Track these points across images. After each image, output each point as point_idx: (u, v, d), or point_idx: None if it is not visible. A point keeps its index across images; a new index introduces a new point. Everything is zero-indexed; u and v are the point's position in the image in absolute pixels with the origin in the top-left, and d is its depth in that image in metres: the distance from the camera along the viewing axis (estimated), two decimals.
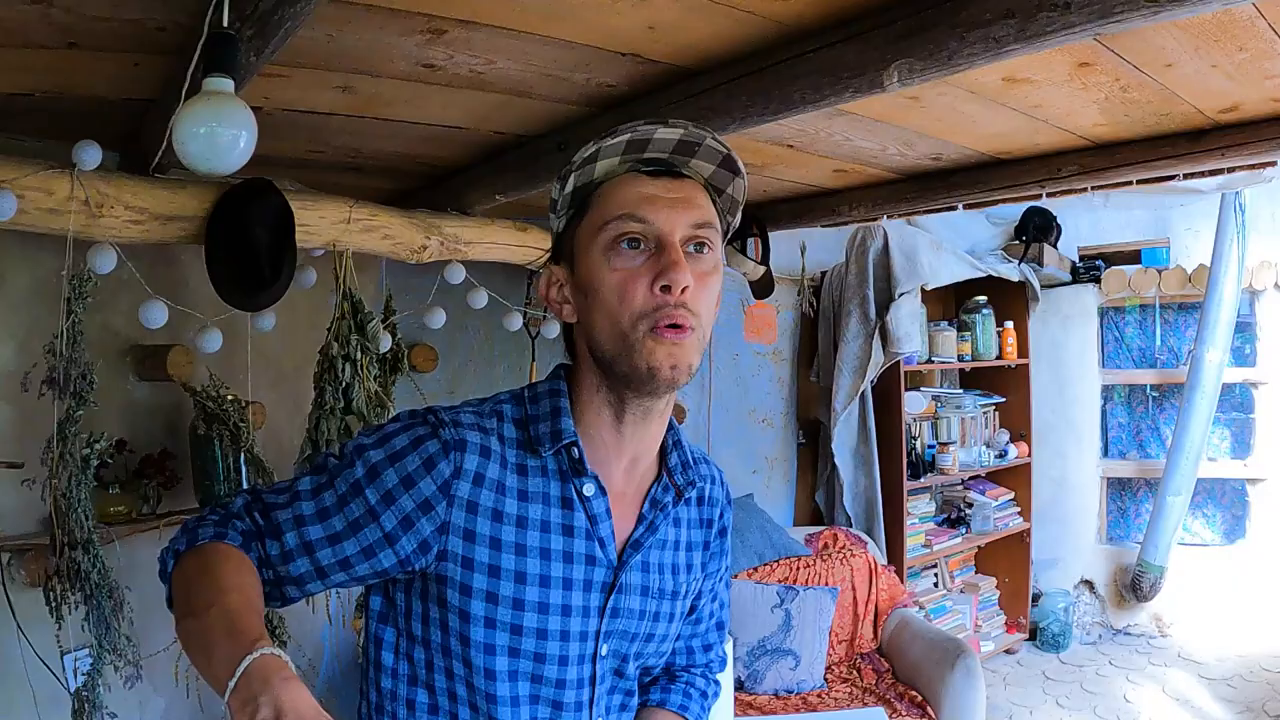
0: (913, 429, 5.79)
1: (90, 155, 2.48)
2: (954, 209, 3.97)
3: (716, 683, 1.71)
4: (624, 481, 1.37)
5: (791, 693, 4.28)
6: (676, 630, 1.50)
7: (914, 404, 5.67)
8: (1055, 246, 6.33)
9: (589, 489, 1.31)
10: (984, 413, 6.39)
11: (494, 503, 1.26)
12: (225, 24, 1.77)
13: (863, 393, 5.35)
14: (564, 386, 1.34)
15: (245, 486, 1.33)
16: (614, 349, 1.24)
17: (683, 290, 1.21)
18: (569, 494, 1.30)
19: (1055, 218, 6.22)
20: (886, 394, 5.51)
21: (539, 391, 1.35)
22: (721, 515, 1.55)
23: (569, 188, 1.28)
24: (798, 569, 4.67)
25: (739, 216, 1.38)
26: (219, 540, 1.25)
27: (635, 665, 1.44)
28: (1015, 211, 6.19)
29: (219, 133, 1.84)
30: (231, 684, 1.01)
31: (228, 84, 1.82)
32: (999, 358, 6.24)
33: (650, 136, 1.23)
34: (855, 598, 4.72)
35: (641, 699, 1.57)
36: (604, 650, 1.35)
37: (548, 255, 1.40)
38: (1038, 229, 6.16)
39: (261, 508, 1.30)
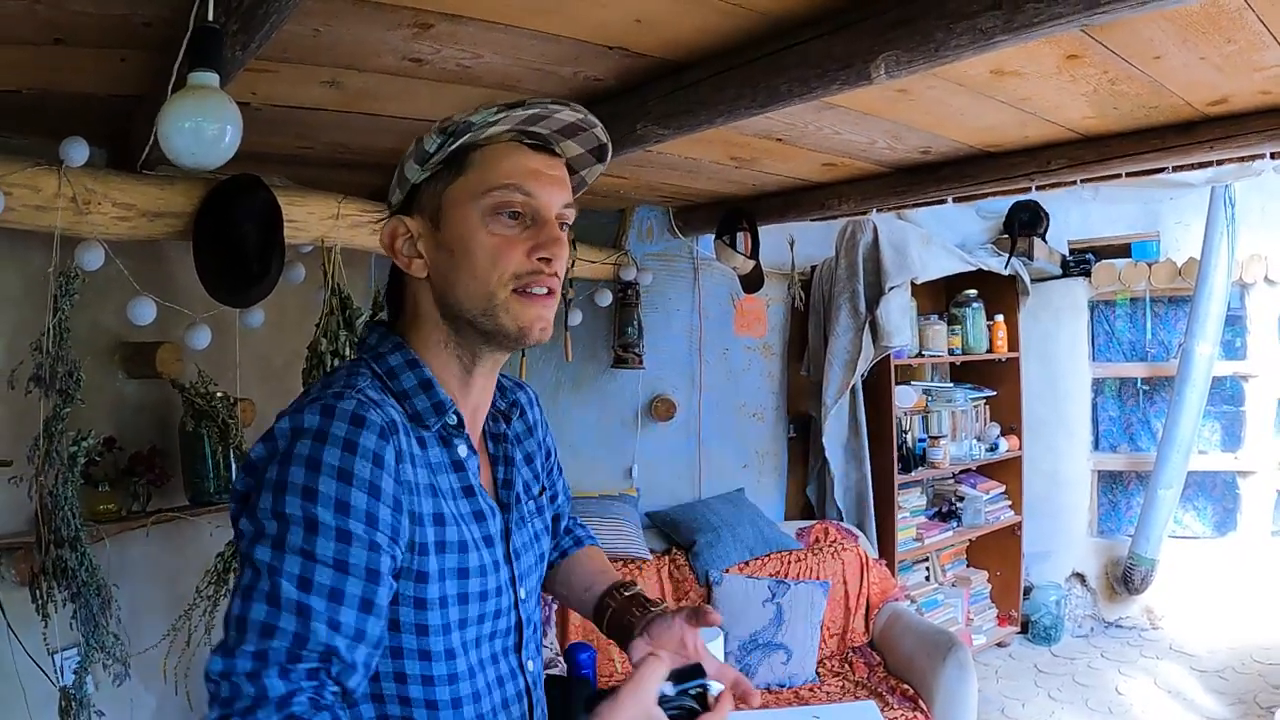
0: (903, 422, 5.78)
1: (78, 152, 2.47)
2: (943, 202, 3.98)
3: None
4: (472, 431, 1.39)
5: (784, 687, 4.28)
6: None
7: (904, 398, 5.67)
8: (1044, 239, 6.33)
9: (463, 450, 1.33)
10: (974, 406, 6.39)
11: (421, 478, 1.24)
12: (210, 18, 1.76)
13: (853, 386, 5.34)
14: (415, 355, 1.32)
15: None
16: (477, 308, 1.28)
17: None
18: (455, 457, 1.32)
19: (1043, 210, 6.21)
20: (877, 388, 5.51)
21: (393, 367, 1.31)
22: (533, 407, 1.62)
23: (444, 146, 1.27)
24: (789, 563, 4.67)
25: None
26: None
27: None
28: (1005, 205, 6.19)
29: (204, 127, 1.82)
30: None
31: (213, 78, 1.81)
32: (989, 351, 6.24)
33: (552, 114, 1.29)
34: (847, 591, 4.72)
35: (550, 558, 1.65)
36: (523, 594, 1.37)
37: (395, 206, 1.36)
38: (1024, 225, 6.16)
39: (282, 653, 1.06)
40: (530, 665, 1.39)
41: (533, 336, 1.30)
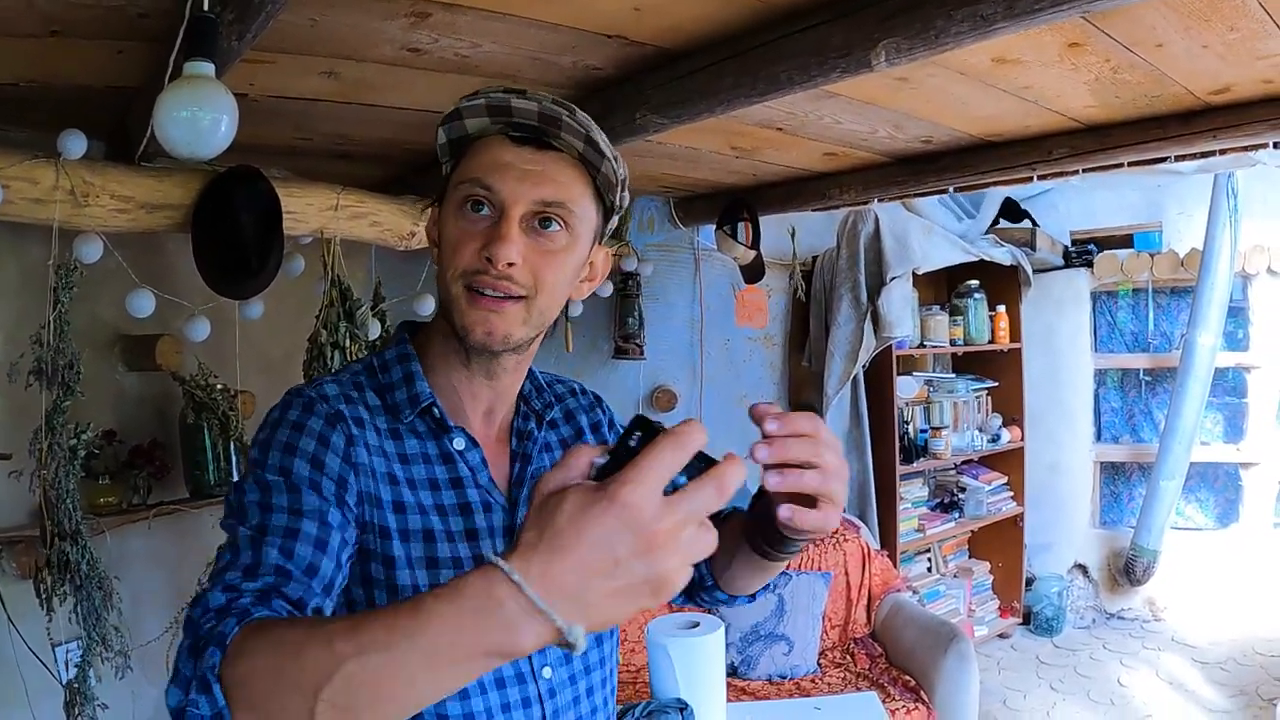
0: (905, 413, 5.78)
1: (75, 144, 2.47)
2: (945, 192, 3.96)
3: None
4: (485, 427, 1.36)
5: (785, 678, 4.28)
6: None
7: (906, 388, 5.66)
8: (1034, 221, 6.33)
9: (460, 443, 1.30)
10: (976, 397, 6.38)
11: (385, 468, 1.23)
12: (205, 8, 1.75)
13: (854, 377, 5.34)
14: (411, 350, 1.33)
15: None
16: (445, 300, 1.27)
17: (508, 265, 1.20)
18: (445, 449, 1.30)
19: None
20: (878, 378, 5.51)
21: (387, 360, 1.33)
22: (591, 411, 1.54)
23: (441, 139, 1.28)
24: None
25: (624, 196, 1.33)
26: (239, 624, 0.93)
27: None
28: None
29: (200, 117, 1.82)
30: (540, 604, 0.78)
31: (208, 68, 1.81)
32: (991, 342, 6.23)
33: (508, 104, 1.21)
34: (848, 583, 4.72)
35: None
36: None
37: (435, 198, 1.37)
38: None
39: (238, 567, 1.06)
40: (548, 673, 1.31)
41: (474, 339, 1.23)
